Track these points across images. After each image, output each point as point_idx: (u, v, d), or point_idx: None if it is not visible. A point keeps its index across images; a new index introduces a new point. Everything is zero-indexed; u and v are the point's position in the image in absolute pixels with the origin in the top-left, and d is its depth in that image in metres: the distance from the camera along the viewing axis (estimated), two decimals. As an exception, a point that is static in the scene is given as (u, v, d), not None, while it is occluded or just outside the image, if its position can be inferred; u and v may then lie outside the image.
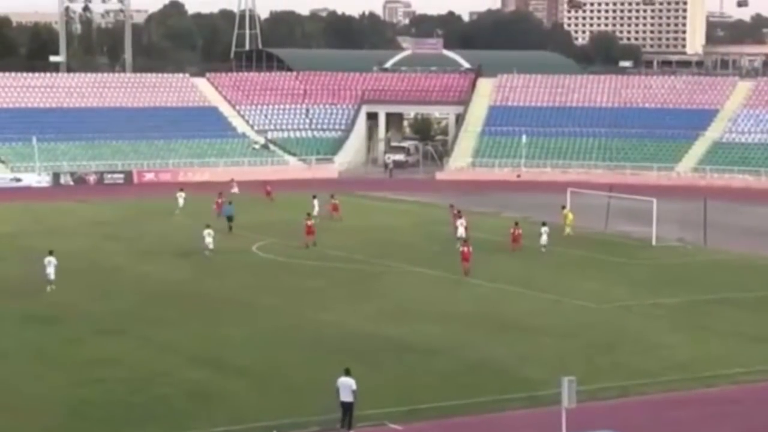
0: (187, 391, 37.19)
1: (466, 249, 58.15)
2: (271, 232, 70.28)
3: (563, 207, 72.68)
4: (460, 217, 67.65)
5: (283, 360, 41.30)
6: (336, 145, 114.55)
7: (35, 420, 34.28)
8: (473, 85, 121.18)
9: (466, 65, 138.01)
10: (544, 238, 65.23)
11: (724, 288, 55.85)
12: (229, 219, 71.45)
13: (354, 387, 33.38)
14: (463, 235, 64.34)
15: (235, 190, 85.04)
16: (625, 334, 46.20)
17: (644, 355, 42.71)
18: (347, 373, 33.79)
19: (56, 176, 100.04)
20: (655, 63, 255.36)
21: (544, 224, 66.00)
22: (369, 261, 60.86)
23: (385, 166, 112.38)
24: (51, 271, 53.35)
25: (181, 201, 79.81)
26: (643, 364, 41.42)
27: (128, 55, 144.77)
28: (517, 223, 66.99)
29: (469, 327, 46.77)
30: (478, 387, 37.89)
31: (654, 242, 68.27)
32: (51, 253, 53.98)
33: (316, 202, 75.64)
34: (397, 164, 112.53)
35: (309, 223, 66.37)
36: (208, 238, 62.59)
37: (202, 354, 41.97)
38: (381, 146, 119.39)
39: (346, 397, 33.39)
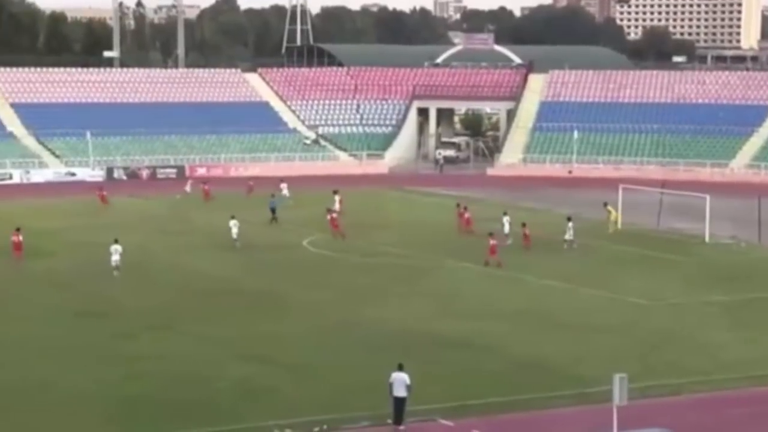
0: (235, 386, 37.33)
1: (493, 242, 58.54)
2: (322, 228, 70.39)
3: (605, 204, 72.30)
4: (463, 215, 68.72)
5: (332, 356, 41.36)
6: (387, 141, 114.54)
7: (84, 414, 34.53)
8: (524, 80, 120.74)
9: (518, 61, 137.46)
10: (569, 234, 64.70)
11: (777, 286, 55.36)
12: (273, 211, 72.06)
13: (408, 382, 33.38)
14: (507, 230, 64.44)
15: (285, 192, 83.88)
16: (677, 331, 45.89)
17: (697, 353, 42.42)
18: (400, 368, 33.79)
19: (110, 171, 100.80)
20: (708, 58, 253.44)
21: (569, 219, 65.65)
22: (419, 257, 60.82)
23: (436, 161, 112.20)
24: (117, 258, 55.49)
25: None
26: (696, 362, 41.15)
27: (181, 50, 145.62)
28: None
29: (521, 324, 46.65)
30: (529, 384, 37.80)
31: (707, 239, 67.76)
32: (116, 241, 56.12)
33: (337, 197, 75.75)
34: (448, 160, 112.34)
35: (332, 216, 67.48)
36: (234, 228, 63.87)
37: (251, 350, 42.09)
38: (431, 142, 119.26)
39: (399, 392, 33.37)
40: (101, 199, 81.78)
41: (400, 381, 33.47)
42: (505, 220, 65.72)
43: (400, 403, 33.44)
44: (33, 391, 36.82)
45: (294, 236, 67.52)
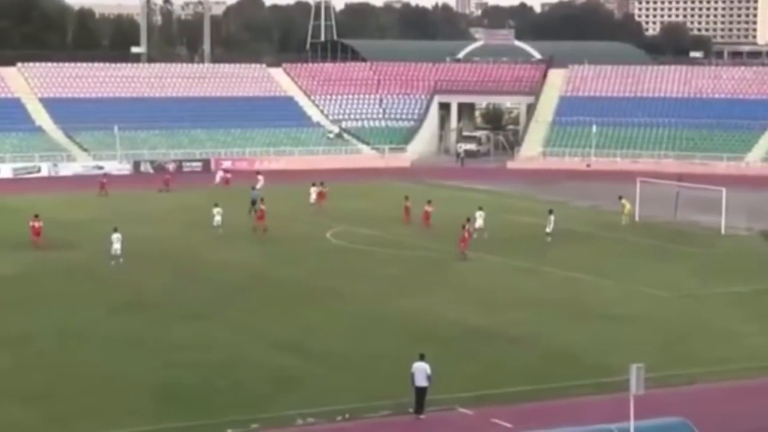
0: (270, 375, 37.43)
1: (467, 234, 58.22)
2: (345, 220, 70.41)
3: (620, 197, 72.10)
4: (408, 209, 69.45)
5: (363, 345, 41.43)
6: (409, 135, 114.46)
7: (121, 402, 34.69)
8: (544, 75, 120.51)
9: (538, 56, 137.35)
10: (550, 227, 64.35)
11: (794, 277, 55.11)
12: (253, 203, 71.92)
13: (429, 372, 33.40)
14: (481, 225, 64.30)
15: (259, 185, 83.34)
16: (696, 322, 45.79)
17: (716, 344, 42.32)
18: (422, 358, 33.84)
19: (137, 164, 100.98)
20: (725, 53, 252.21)
21: (550, 212, 65.39)
22: (443, 249, 60.72)
23: (457, 155, 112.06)
24: (117, 247, 55.90)
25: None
26: (715, 352, 41.06)
27: (207, 46, 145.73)
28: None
29: (545, 315, 46.61)
30: (550, 373, 37.82)
31: (723, 231, 67.51)
32: (116, 230, 56.58)
33: (313, 189, 75.92)
34: (469, 153, 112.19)
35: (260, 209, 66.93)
36: (217, 216, 65.29)
37: (284, 339, 42.18)
38: (453, 136, 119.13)
39: (420, 381, 33.40)
40: (101, 187, 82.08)
41: (421, 371, 33.48)
42: (479, 215, 65.17)
43: (421, 392, 33.45)
44: (71, 379, 36.93)
45: (317, 229, 67.46)
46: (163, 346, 40.90)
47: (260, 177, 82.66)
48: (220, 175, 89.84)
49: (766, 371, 38.69)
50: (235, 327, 44.04)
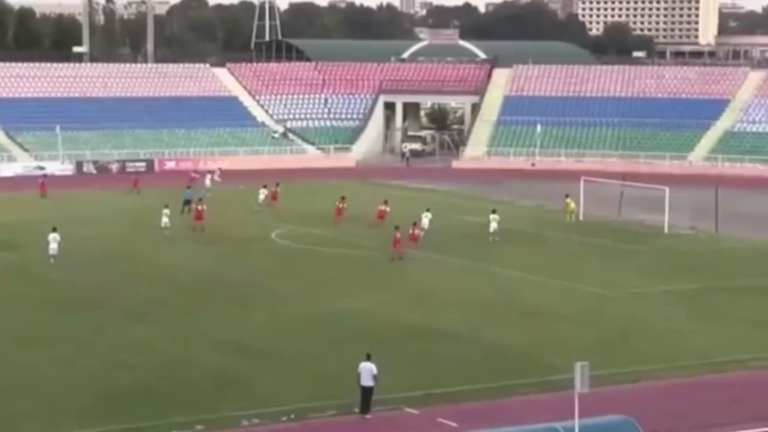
0: (214, 376, 37.33)
1: (398, 236, 58.13)
2: (291, 220, 70.31)
3: (566, 196, 72.56)
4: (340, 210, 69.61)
5: (306, 346, 41.40)
6: (354, 135, 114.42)
7: (64, 404, 34.44)
8: (489, 75, 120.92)
9: (482, 56, 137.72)
10: (493, 226, 64.52)
11: (735, 275, 55.77)
12: (186, 203, 71.74)
13: (375, 372, 33.45)
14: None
15: (208, 183, 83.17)
16: (638, 320, 46.15)
17: (658, 342, 42.68)
18: (368, 358, 33.92)
19: (79, 165, 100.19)
20: (668, 53, 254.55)
21: (494, 212, 65.62)
22: (387, 249, 60.71)
23: (402, 155, 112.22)
24: (54, 246, 55.80)
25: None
26: (657, 350, 41.41)
27: (150, 45, 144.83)
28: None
29: (487, 313, 46.82)
30: (495, 372, 37.95)
31: (666, 230, 68.11)
32: (54, 229, 56.41)
33: (262, 191, 75.91)
34: (414, 153, 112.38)
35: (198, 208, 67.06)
36: (165, 218, 64.61)
37: (228, 340, 42.08)
38: (398, 135, 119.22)
39: (366, 381, 33.45)
40: (40, 188, 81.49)
41: (368, 371, 33.53)
42: (425, 215, 65.30)
43: (367, 392, 33.49)
44: (14, 382, 36.64)
45: (262, 229, 67.32)
46: (105, 348, 40.68)
47: (209, 176, 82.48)
48: (218, 173, 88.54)
49: (708, 368, 39.11)
50: (177, 328, 43.85)
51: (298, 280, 53.39)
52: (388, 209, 68.57)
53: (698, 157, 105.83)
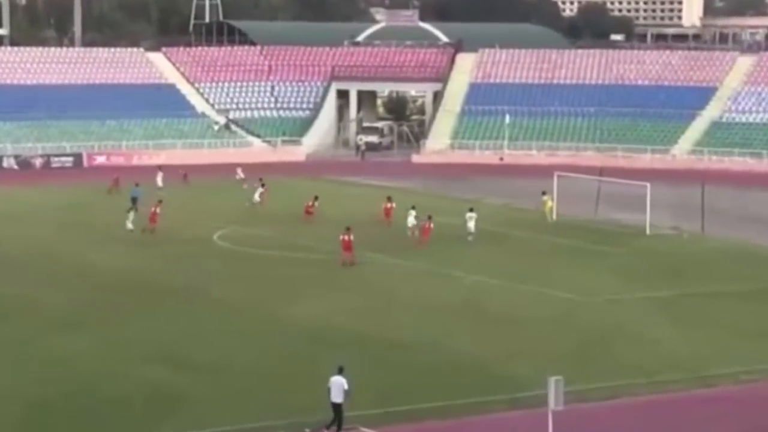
0: (146, 391, 37.26)
1: (346, 237, 58.35)
2: (234, 220, 70.27)
3: (543, 193, 72.96)
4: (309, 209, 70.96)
5: (251, 358, 41.35)
6: (303, 126, 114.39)
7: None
8: (452, 60, 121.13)
9: (445, 39, 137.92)
10: (470, 225, 65.20)
11: (722, 279, 56.16)
12: (133, 201, 71.87)
13: (346, 387, 33.38)
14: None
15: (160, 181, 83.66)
16: (616, 329, 46.40)
17: (637, 353, 42.91)
18: (340, 371, 33.81)
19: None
20: (648, 36, 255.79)
21: (471, 210, 66.22)
22: (338, 251, 60.71)
23: (357, 148, 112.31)
24: None
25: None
26: (637, 362, 41.62)
27: (77, 27, 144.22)
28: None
29: (451, 322, 46.95)
30: (460, 387, 38.04)
31: (647, 230, 68.51)
32: None
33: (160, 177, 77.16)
34: (370, 146, 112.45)
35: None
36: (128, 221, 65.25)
37: (161, 351, 41.99)
38: (352, 127, 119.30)
39: (336, 397, 33.38)
40: None
41: (338, 385, 33.45)
42: (410, 213, 66.27)
43: (337, 409, 33.37)
44: None
45: (204, 230, 67.22)
46: (29, 360, 40.54)
47: (160, 174, 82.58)
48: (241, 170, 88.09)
49: (693, 383, 39.34)
50: (108, 338, 43.72)
51: (244, 285, 53.35)
52: (393, 206, 69.56)
53: (682, 151, 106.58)
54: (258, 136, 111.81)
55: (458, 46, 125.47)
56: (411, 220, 65.53)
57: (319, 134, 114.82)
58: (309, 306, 49.15)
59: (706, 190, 71.80)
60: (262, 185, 76.86)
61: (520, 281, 54.63)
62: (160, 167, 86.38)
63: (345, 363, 34.26)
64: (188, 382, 38.33)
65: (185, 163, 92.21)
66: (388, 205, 70.42)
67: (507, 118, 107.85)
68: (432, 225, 63.81)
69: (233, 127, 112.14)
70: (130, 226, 64.88)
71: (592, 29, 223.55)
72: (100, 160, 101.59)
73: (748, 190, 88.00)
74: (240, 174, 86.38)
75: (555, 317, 48.11)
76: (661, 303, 51.14)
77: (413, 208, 66.35)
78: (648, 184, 69.72)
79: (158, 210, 66.92)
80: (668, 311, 49.59)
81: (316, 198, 72.05)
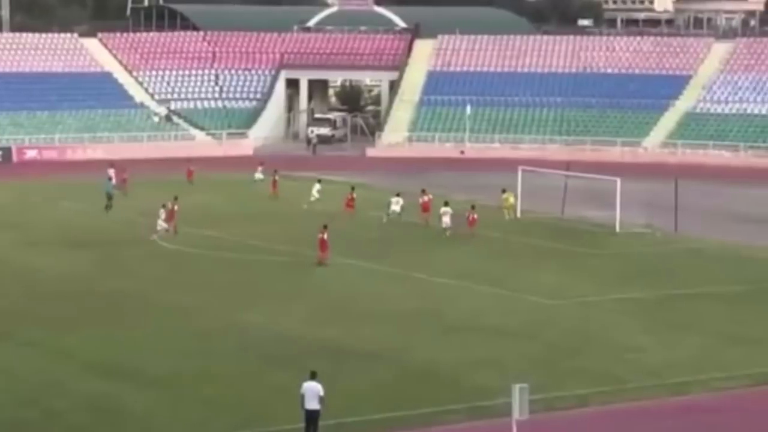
0: (86, 404, 37.21)
1: (324, 236, 58.68)
2: (180, 219, 70.20)
3: (504, 190, 73.34)
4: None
5: (200, 368, 41.33)
6: (251, 118, 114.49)
7: None
8: (409, 47, 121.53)
9: (402, 24, 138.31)
10: (446, 220, 66.19)
11: (697, 281, 56.69)
12: (109, 197, 72.90)
13: (321, 393, 33.42)
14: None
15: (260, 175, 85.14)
16: (585, 334, 46.77)
17: (608, 359, 43.28)
18: (313, 376, 33.87)
19: None
20: (618, 22, 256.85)
21: (446, 204, 67.27)
22: (295, 253, 60.93)
23: (308, 141, 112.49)
24: None
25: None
26: (608, 369, 41.98)
27: (5, 10, 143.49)
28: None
29: (412, 328, 47.17)
30: (421, 397, 38.25)
31: (618, 229, 68.99)
32: None
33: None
34: (322, 139, 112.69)
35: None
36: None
37: (104, 361, 41.95)
38: (303, 118, 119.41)
39: (311, 404, 33.42)
40: None
41: (313, 392, 33.52)
42: (395, 201, 69.32)
43: (312, 416, 33.44)
44: None
45: (148, 231, 67.07)
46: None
47: (111, 170, 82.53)
48: (261, 170, 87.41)
49: (666, 390, 39.66)
50: (45, 347, 43.61)
51: (191, 290, 53.38)
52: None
53: (654, 143, 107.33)
54: (202, 128, 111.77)
55: (416, 31, 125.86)
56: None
57: (268, 126, 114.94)
58: (258, 312, 49.13)
59: (680, 185, 72.29)
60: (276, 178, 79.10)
61: (484, 283, 54.92)
62: (110, 163, 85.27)
63: (295, 373, 34.15)
64: (132, 395, 38.28)
65: (123, 158, 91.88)
66: (350, 196, 71.73)
67: (468, 109, 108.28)
68: (476, 215, 66.09)
69: (175, 118, 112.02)
70: (162, 224, 65.09)
71: (558, 14, 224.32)
72: (31, 154, 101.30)
73: (723, 186, 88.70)
74: (259, 174, 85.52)
75: (522, 321, 48.44)
76: (633, 305, 51.57)
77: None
78: (618, 179, 70.19)
79: (175, 207, 66.73)
80: (640, 314, 50.01)
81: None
